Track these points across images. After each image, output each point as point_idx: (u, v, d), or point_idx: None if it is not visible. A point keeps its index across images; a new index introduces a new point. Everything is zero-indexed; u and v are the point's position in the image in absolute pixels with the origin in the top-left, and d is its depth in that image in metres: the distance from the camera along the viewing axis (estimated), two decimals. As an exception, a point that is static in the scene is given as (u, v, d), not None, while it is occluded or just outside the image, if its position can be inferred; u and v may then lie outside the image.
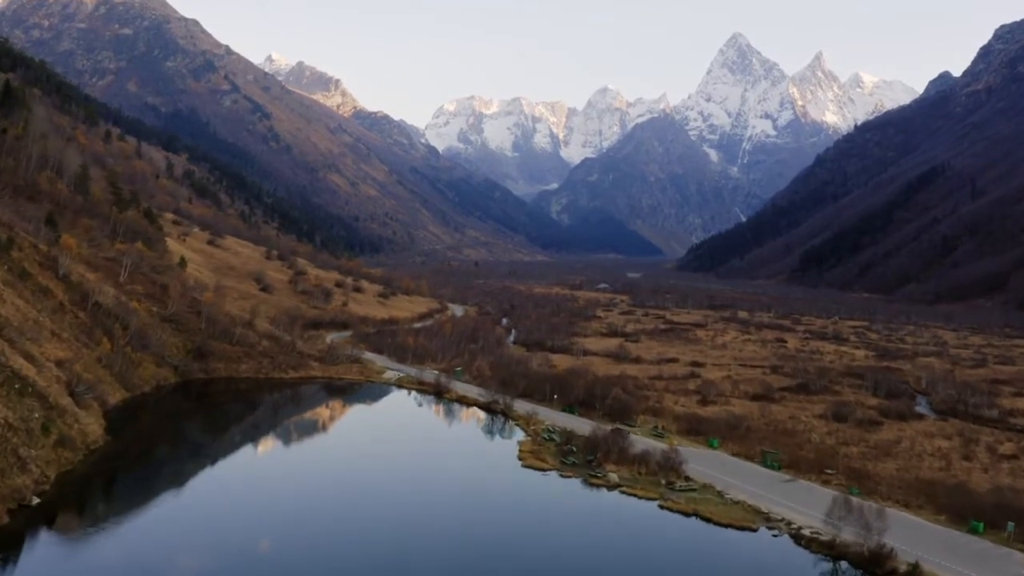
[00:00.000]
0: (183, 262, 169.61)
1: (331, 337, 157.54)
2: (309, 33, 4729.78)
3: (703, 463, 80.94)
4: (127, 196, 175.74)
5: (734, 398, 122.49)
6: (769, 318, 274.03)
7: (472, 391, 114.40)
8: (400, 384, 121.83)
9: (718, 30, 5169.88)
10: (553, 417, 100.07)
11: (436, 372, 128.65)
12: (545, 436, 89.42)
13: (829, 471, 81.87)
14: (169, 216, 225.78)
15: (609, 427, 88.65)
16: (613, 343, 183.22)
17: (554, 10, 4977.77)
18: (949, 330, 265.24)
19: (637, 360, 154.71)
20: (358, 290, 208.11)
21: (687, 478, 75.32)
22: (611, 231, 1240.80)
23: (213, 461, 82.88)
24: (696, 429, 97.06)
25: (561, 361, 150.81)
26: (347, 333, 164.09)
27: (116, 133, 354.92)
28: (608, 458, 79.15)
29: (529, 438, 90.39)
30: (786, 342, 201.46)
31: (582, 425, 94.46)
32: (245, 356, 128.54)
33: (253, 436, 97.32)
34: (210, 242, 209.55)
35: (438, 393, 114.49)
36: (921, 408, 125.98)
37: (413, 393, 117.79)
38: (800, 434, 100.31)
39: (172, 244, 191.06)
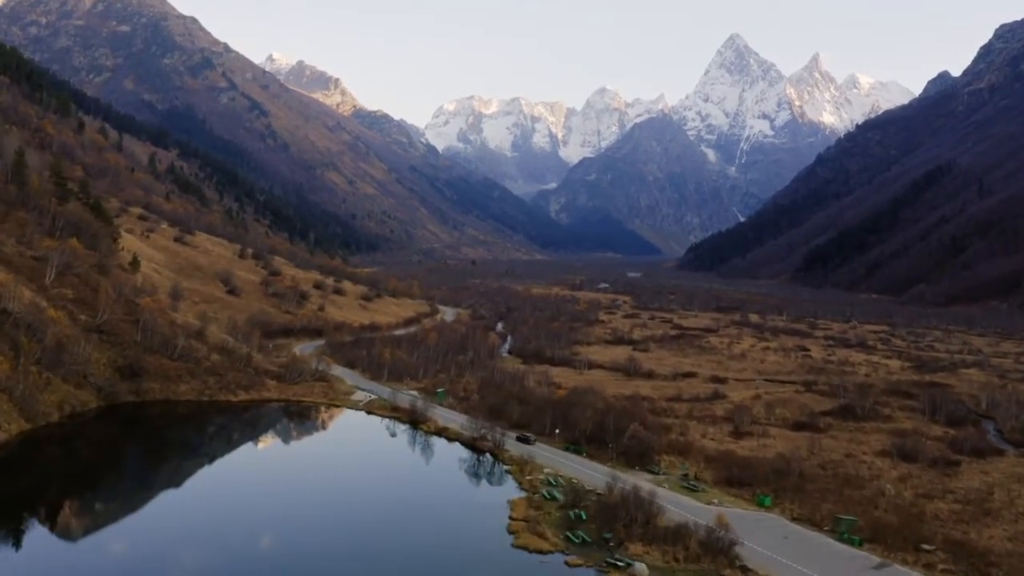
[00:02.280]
0: (135, 262, 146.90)
1: (299, 348, 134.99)
2: (310, 33, 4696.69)
3: (759, 536, 58.32)
4: (73, 187, 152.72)
5: (771, 426, 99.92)
6: (783, 322, 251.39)
7: (456, 420, 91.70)
8: (370, 409, 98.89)
9: (716, 31, 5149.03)
10: (555, 460, 77.43)
11: (415, 393, 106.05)
12: (545, 493, 66.66)
13: (927, 546, 59.36)
14: (135, 211, 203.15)
15: (626, 475, 66.43)
16: (620, 352, 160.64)
17: (554, 11, 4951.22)
18: (975, 335, 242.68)
19: (650, 375, 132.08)
20: (339, 292, 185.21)
21: (744, 568, 52.67)
22: (609, 230, 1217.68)
23: (97, 525, 60.35)
24: (737, 477, 74.30)
25: (562, 376, 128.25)
26: (319, 342, 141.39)
27: (95, 126, 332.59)
28: (631, 533, 56.45)
29: (524, 493, 67.77)
30: (809, 351, 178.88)
31: (592, 473, 72.02)
32: (187, 374, 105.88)
33: (170, 485, 74.42)
34: (177, 239, 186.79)
35: (414, 422, 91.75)
36: (991, 437, 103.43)
37: (385, 421, 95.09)
38: (867, 482, 77.64)
39: (130, 241, 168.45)
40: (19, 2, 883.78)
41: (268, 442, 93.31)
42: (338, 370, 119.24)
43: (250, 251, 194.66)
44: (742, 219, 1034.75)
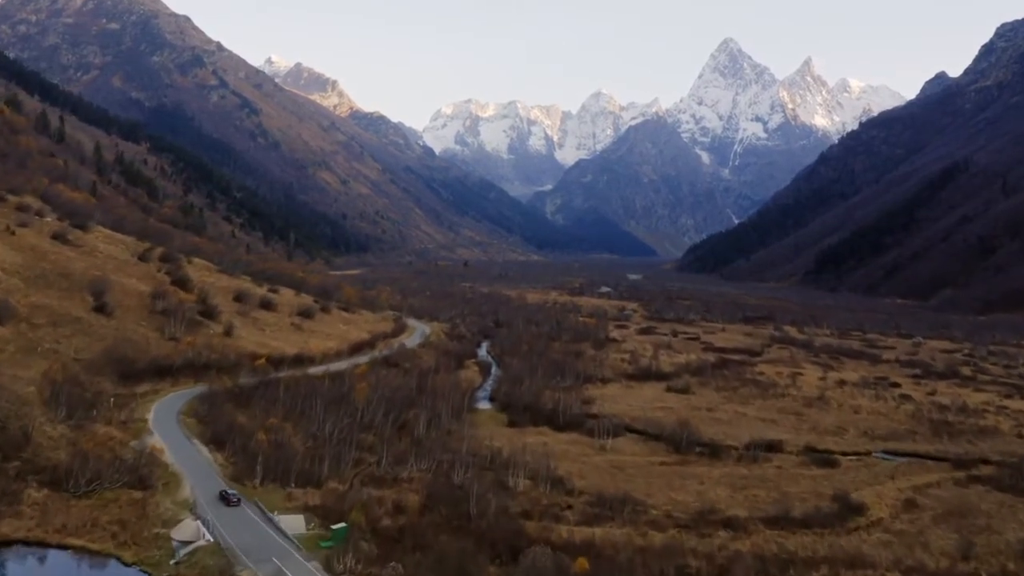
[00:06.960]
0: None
1: (159, 402, 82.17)
2: (310, 37, 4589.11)
3: None
4: None
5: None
6: (829, 336, 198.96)
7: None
8: (182, 580, 45.93)
9: (710, 35, 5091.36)
10: None
11: (300, 521, 53.28)
12: None
13: None
14: (15, 200, 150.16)
15: None
16: (650, 393, 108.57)
17: (550, 16, 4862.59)
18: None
19: (713, 451, 79.15)
20: (267, 306, 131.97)
21: None
22: (605, 231, 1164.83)
23: None
24: None
25: (572, 454, 75.78)
26: (200, 389, 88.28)
27: (35, 109, 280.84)
28: None
29: None
30: (900, 385, 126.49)
31: None
32: None
33: None
34: (58, 236, 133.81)
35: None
36: None
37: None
38: None
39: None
40: (9, 0, 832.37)
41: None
42: (193, 455, 66.21)
43: (158, 251, 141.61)
44: (736, 221, 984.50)
